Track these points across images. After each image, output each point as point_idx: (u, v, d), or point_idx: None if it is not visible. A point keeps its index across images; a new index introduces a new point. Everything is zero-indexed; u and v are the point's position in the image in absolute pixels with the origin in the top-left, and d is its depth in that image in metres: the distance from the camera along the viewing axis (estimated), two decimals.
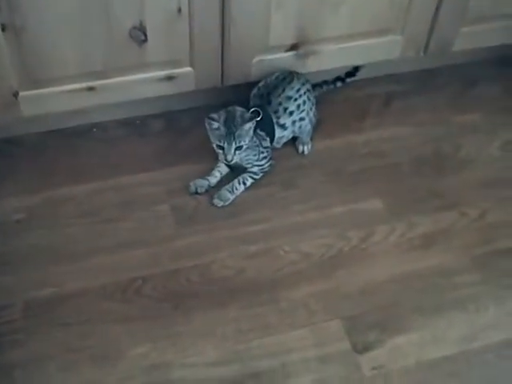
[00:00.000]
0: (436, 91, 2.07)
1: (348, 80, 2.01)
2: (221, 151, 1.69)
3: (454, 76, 2.11)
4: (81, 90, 1.70)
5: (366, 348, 1.50)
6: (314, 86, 1.93)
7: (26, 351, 1.47)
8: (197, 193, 1.77)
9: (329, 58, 1.85)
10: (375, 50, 1.88)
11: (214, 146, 1.70)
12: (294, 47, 1.79)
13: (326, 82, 1.99)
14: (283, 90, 1.78)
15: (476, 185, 1.83)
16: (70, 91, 1.70)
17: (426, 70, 2.12)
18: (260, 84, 1.81)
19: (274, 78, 1.80)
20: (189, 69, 1.76)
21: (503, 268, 1.65)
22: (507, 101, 2.05)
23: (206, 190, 1.78)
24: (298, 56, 1.81)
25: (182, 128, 1.94)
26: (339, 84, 2.01)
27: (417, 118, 1.99)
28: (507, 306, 1.58)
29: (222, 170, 1.79)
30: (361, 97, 2.03)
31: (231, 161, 1.70)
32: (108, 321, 1.53)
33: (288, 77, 1.80)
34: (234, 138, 1.67)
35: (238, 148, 1.68)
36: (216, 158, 1.78)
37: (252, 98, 1.82)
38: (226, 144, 1.67)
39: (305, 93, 1.80)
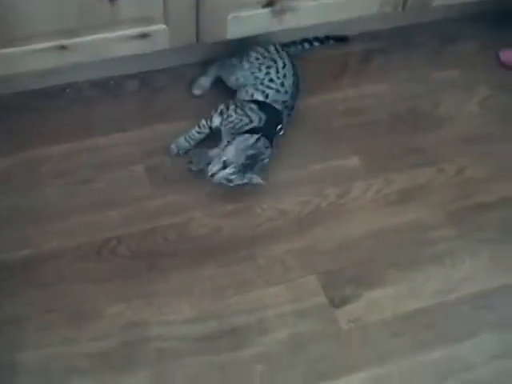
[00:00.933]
0: (414, 48, 2.06)
1: (316, 44, 2.00)
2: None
3: (432, 33, 2.10)
4: (52, 48, 1.66)
5: (342, 302, 1.50)
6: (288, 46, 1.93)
7: (3, 313, 1.46)
8: (178, 154, 1.75)
9: (306, 15, 1.82)
10: (352, 6, 1.85)
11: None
12: (270, 3, 1.76)
13: (293, 43, 1.98)
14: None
15: (454, 141, 1.83)
16: (41, 50, 1.66)
17: (404, 28, 2.10)
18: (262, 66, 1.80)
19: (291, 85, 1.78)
20: (163, 26, 1.72)
21: (478, 222, 1.66)
22: (485, 57, 2.04)
23: (187, 152, 1.76)
24: (274, 12, 1.78)
25: (157, 88, 1.92)
26: (307, 46, 1.99)
27: (395, 76, 1.98)
28: (482, 259, 1.59)
29: (202, 130, 1.76)
30: (339, 54, 2.02)
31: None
32: (84, 281, 1.52)
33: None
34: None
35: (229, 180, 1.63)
36: (195, 117, 1.76)
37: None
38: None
39: None
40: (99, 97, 1.89)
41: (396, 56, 2.02)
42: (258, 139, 1.61)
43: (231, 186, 1.64)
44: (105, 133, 1.80)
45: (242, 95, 1.78)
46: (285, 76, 1.78)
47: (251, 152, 1.61)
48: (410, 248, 1.60)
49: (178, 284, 1.53)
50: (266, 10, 1.77)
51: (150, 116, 1.85)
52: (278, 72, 1.78)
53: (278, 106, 1.74)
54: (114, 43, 1.72)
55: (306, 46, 1.99)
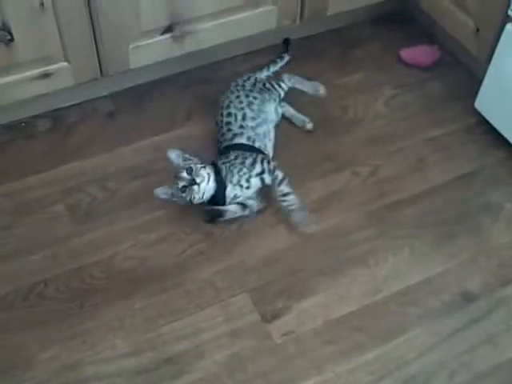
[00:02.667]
0: (318, 57, 2.09)
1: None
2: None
3: (334, 41, 2.14)
4: None
5: (274, 316, 1.52)
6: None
7: None
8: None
9: (206, 36, 1.84)
10: (251, 23, 1.89)
11: None
12: (168, 29, 1.77)
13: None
14: None
15: (365, 143, 1.87)
16: None
17: (307, 37, 2.14)
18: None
19: None
20: (64, 64, 1.72)
21: (396, 219, 1.69)
22: (386, 57, 2.09)
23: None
24: (174, 38, 1.80)
25: (70, 125, 1.91)
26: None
27: None
28: (404, 254, 1.63)
29: None
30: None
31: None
32: (14, 329, 1.50)
33: None
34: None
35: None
36: (111, 150, 1.76)
37: None
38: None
39: None
40: (11, 140, 1.86)
41: (301, 66, 2.03)
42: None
43: (152, 213, 1.69)
44: (21, 176, 1.77)
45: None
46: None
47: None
48: (335, 253, 1.63)
49: (109, 319, 1.52)
50: (166, 36, 1.78)
51: (65, 154, 1.83)
52: None
53: None
54: (17, 86, 1.71)
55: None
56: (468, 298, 1.55)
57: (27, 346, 1.47)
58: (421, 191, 1.75)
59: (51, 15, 1.59)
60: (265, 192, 1.71)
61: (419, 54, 2.07)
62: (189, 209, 1.70)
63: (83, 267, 1.60)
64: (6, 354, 1.46)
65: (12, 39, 1.59)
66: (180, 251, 1.63)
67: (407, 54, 2.07)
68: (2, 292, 1.56)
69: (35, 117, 1.91)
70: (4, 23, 1.55)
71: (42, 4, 1.56)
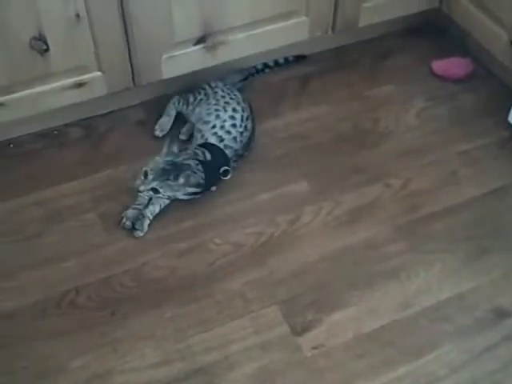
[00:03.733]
0: (350, 67, 2.09)
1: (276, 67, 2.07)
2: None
3: (365, 52, 2.14)
4: None
5: (304, 329, 1.51)
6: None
7: None
8: (134, 228, 1.69)
9: (238, 47, 1.85)
10: (283, 34, 1.89)
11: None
12: (201, 40, 1.78)
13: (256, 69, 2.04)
14: None
15: (397, 155, 1.86)
16: None
17: (339, 48, 2.14)
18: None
19: None
20: (98, 73, 1.74)
21: (428, 233, 1.68)
22: (418, 69, 2.08)
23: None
24: (206, 48, 1.80)
25: (101, 133, 1.92)
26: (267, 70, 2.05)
27: (334, 97, 2.01)
28: (435, 269, 1.61)
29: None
30: (277, 81, 2.04)
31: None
32: (45, 337, 1.51)
33: None
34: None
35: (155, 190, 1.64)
36: (143, 159, 1.76)
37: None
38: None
39: None
40: (44, 148, 1.88)
41: (332, 77, 2.05)
42: (169, 141, 1.65)
43: (182, 223, 1.69)
44: (53, 184, 1.79)
45: (197, 139, 1.77)
46: (246, 128, 1.78)
47: (169, 158, 1.63)
48: (365, 266, 1.62)
49: (139, 328, 1.52)
50: (199, 46, 1.79)
51: (96, 162, 1.84)
52: (242, 121, 1.78)
53: (228, 152, 1.74)
54: (51, 95, 1.72)
55: (267, 70, 2.05)
56: (500, 314, 1.53)
57: (58, 354, 1.48)
58: (453, 205, 1.74)
59: (86, 26, 1.61)
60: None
61: (451, 65, 2.05)
62: (219, 219, 1.71)
63: (114, 276, 1.61)
64: (37, 362, 1.47)
65: (48, 49, 1.61)
66: (210, 261, 1.64)
67: (439, 66, 2.06)
68: (33, 300, 1.57)
69: (67, 125, 1.93)
70: (40, 34, 1.57)
71: (78, 15, 1.57)
